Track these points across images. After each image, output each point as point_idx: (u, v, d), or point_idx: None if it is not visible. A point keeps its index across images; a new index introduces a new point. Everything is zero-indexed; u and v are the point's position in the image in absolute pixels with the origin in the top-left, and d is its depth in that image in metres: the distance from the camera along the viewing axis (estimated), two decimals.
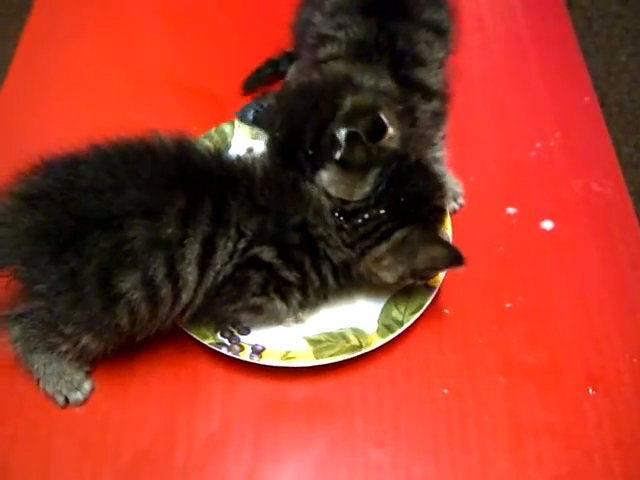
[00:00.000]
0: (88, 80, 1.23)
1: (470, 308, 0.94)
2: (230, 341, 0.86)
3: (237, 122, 1.09)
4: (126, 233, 0.74)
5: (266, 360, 0.84)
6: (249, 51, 1.20)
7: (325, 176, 0.84)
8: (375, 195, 0.83)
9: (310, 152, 0.84)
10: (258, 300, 0.84)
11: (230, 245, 0.79)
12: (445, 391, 0.87)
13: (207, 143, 1.05)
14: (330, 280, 0.86)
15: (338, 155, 0.82)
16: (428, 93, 0.95)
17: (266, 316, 0.87)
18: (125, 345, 0.83)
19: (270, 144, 0.89)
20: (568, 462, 0.82)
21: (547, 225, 1.03)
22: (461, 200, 1.03)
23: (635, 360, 0.89)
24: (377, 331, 0.87)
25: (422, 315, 0.89)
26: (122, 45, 1.30)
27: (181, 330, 0.86)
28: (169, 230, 0.75)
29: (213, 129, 1.08)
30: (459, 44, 1.04)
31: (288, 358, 0.85)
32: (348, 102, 0.84)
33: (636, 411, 0.86)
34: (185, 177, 0.79)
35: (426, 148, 0.99)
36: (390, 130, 0.82)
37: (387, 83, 0.91)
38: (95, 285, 0.74)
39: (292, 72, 1.15)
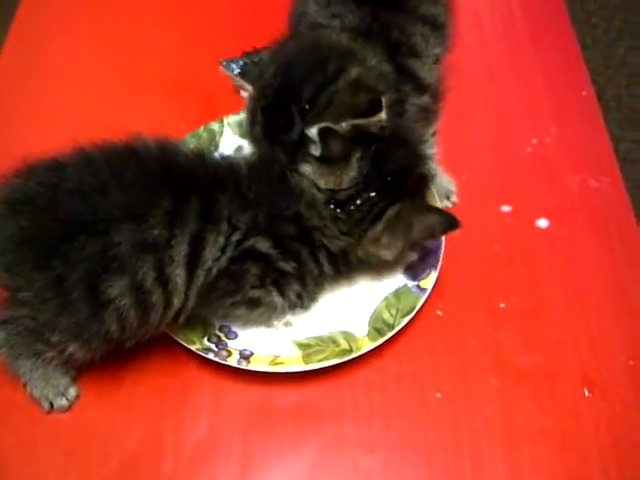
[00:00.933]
0: (76, 77, 1.22)
1: (463, 309, 0.92)
2: (217, 346, 0.85)
3: (226, 121, 1.07)
4: (112, 237, 0.73)
5: (254, 366, 0.83)
6: (242, 46, 1.17)
7: (309, 169, 0.83)
8: (362, 179, 0.82)
9: (306, 106, 0.83)
10: (256, 293, 0.83)
11: (221, 239, 0.78)
12: (438, 395, 0.85)
13: (195, 142, 1.04)
14: (327, 268, 0.86)
15: (317, 153, 0.81)
16: (420, 86, 0.94)
17: (263, 310, 0.86)
18: (113, 351, 0.81)
19: (258, 92, 0.88)
20: (564, 466, 0.81)
21: (542, 223, 1.01)
22: (454, 198, 1.02)
23: (632, 362, 0.88)
24: (367, 334, 0.86)
25: (414, 317, 0.87)
26: (111, 42, 1.29)
27: (168, 335, 0.84)
28: (155, 232, 0.74)
29: (202, 127, 1.06)
30: (456, 39, 1.02)
31: (277, 363, 0.83)
32: (354, 72, 0.84)
33: (633, 413, 0.84)
34: (170, 178, 0.78)
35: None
36: (382, 114, 0.81)
37: (386, 66, 0.90)
38: (82, 291, 0.73)
39: None
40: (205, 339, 0.85)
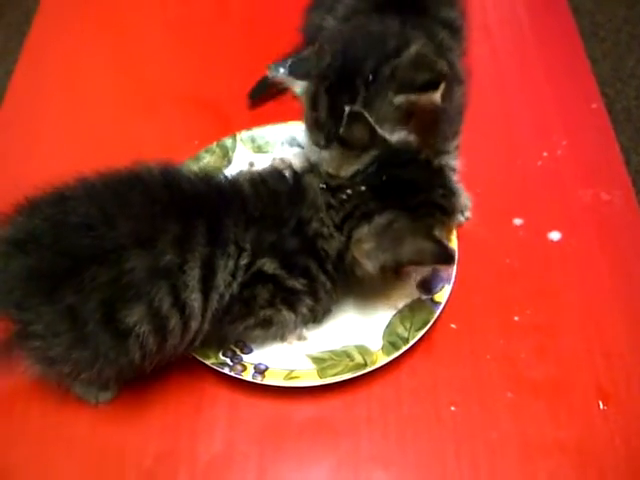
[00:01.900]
0: (89, 94, 1.23)
1: (477, 322, 0.92)
2: (232, 360, 0.85)
3: (239, 136, 1.08)
4: (125, 265, 0.72)
5: (269, 380, 0.83)
6: (253, 63, 1.18)
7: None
8: (363, 175, 0.82)
9: (370, 77, 0.84)
10: (267, 312, 0.83)
11: (231, 264, 0.78)
12: (452, 408, 0.85)
13: (208, 157, 1.05)
14: (337, 277, 0.85)
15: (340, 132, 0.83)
16: (458, 79, 0.96)
17: (276, 328, 0.86)
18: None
19: (318, 77, 0.88)
20: (579, 479, 0.80)
21: (555, 236, 1.01)
22: (468, 213, 1.02)
23: None
24: (382, 348, 0.86)
25: (428, 331, 0.87)
26: (123, 58, 1.30)
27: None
28: (167, 257, 0.74)
29: (214, 143, 1.07)
30: (466, 53, 1.03)
31: (291, 377, 0.83)
32: (414, 49, 0.85)
33: None
34: (175, 203, 0.78)
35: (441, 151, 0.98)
36: (437, 95, 0.82)
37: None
38: (99, 321, 0.72)
39: None
40: (220, 353, 0.86)
